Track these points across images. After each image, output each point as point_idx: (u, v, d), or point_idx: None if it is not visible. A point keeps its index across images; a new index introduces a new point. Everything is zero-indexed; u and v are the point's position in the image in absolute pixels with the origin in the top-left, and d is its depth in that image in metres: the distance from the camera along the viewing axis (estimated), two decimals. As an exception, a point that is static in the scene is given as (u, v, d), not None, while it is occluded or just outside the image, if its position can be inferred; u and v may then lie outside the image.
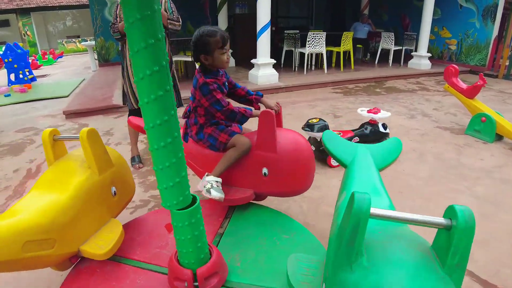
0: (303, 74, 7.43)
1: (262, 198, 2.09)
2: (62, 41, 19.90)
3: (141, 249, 1.67)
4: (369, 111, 3.28)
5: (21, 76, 8.59)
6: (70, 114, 5.03)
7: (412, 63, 8.57)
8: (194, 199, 1.27)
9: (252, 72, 6.54)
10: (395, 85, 7.08)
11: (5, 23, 20.86)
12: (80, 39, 19.76)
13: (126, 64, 2.96)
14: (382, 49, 8.98)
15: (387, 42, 8.63)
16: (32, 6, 19.16)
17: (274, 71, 6.42)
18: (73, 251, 1.46)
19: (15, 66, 8.53)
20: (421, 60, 8.32)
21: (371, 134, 3.25)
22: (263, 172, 1.82)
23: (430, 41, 9.07)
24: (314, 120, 2.94)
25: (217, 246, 1.67)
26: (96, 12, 9.48)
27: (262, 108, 1.91)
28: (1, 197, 2.84)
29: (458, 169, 3.15)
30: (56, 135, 1.71)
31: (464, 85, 4.13)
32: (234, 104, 1.94)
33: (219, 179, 1.86)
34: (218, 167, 1.87)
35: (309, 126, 2.94)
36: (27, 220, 1.28)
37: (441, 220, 0.84)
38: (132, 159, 3.31)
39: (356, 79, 7.15)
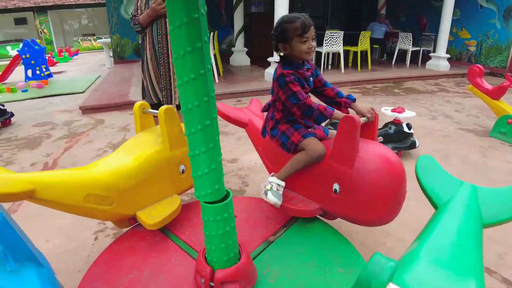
0: (319, 73, 7.33)
1: (332, 217, 1.81)
2: (78, 39, 20.16)
3: (191, 231, 1.70)
4: (393, 110, 3.18)
5: (38, 72, 8.69)
6: (86, 110, 5.04)
7: (430, 64, 8.41)
8: (227, 195, 1.21)
9: (268, 70, 6.47)
10: (414, 86, 6.94)
11: (23, 21, 21.22)
12: (95, 37, 20.00)
13: (146, 57, 2.92)
14: (399, 50, 8.83)
15: (405, 43, 8.48)
16: (49, 4, 19.44)
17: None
18: (129, 214, 1.61)
19: (32, 62, 8.63)
20: (440, 61, 8.15)
21: (395, 134, 3.16)
22: (333, 188, 1.57)
23: (449, 42, 8.88)
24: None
25: (260, 254, 1.55)
26: (112, 10, 9.54)
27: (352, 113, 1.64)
28: None
29: (486, 172, 3.04)
30: (145, 108, 1.90)
31: (489, 86, 3.99)
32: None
33: (282, 183, 1.71)
34: (284, 169, 1.72)
35: (332, 125, 2.86)
36: (94, 176, 1.48)
37: None
38: None
39: (374, 79, 7.03)
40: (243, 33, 8.38)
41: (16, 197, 1.24)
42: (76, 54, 15.69)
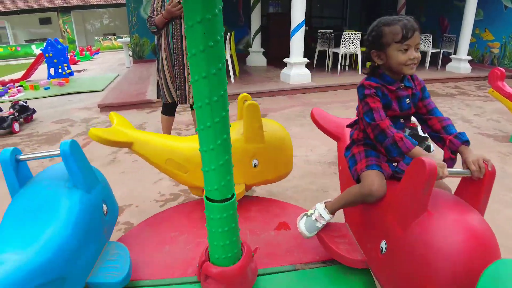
0: (336, 74, 7.28)
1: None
2: (99, 38, 20.63)
3: None
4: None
5: (60, 70, 8.96)
6: (105, 107, 5.16)
7: (450, 66, 8.21)
8: (232, 195, 1.22)
9: (284, 71, 6.47)
10: (433, 89, 6.80)
11: (47, 21, 21.90)
12: (115, 37, 20.42)
13: (162, 57, 2.98)
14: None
15: (424, 44, 8.31)
16: (72, 4, 19.96)
17: (307, 70, 6.33)
18: (199, 186, 1.89)
19: (55, 61, 8.90)
20: (461, 64, 7.95)
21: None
22: (380, 245, 1.26)
23: (471, 43, 8.65)
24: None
25: (273, 274, 1.51)
26: (132, 10, 9.72)
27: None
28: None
29: (503, 179, 2.96)
30: (247, 100, 1.96)
31: (510, 90, 3.88)
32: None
33: (327, 217, 1.50)
34: (336, 200, 1.50)
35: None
36: (177, 146, 1.86)
37: None
38: None
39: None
40: (260, 33, 8.40)
41: (120, 145, 1.80)
42: (97, 53, 16.08)
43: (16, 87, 7.87)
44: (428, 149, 3.11)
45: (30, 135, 4.34)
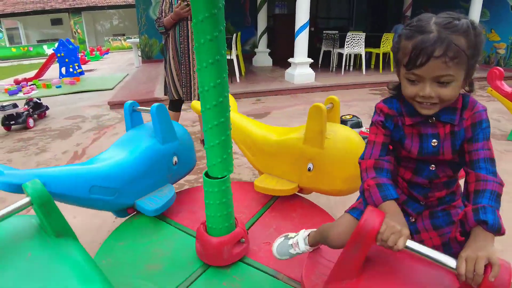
0: (340, 74, 7.40)
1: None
2: (109, 38, 20.99)
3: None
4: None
5: (71, 70, 9.21)
6: (114, 105, 5.36)
7: (455, 66, 8.24)
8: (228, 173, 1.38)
9: (288, 71, 6.61)
10: (436, 89, 6.87)
11: (58, 21, 22.33)
12: (125, 37, 20.75)
13: (169, 56, 3.14)
14: (423, 52, 8.71)
15: (429, 45, 8.37)
16: (83, 5, 20.33)
17: (311, 70, 6.45)
18: (260, 170, 2.13)
19: (66, 60, 9.16)
20: None
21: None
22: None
23: (476, 44, 8.68)
24: (348, 117, 2.96)
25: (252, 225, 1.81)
26: (142, 11, 9.94)
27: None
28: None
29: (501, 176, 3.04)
30: (333, 103, 1.88)
31: (509, 89, 3.96)
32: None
33: (304, 247, 1.32)
34: (315, 232, 1.31)
35: (342, 122, 2.97)
36: (253, 130, 2.10)
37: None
38: (203, 141, 3.62)
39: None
40: (266, 34, 8.55)
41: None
42: (107, 53, 16.38)
43: (29, 85, 8.13)
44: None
45: (43, 130, 4.54)
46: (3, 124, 4.55)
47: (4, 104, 4.55)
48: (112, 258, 1.58)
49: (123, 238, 1.73)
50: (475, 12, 7.62)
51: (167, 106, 3.41)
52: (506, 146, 3.72)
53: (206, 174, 1.37)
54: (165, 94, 3.43)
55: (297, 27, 6.10)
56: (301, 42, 6.18)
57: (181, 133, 2.04)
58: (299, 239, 1.32)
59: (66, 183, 1.45)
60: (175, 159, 1.94)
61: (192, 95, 3.11)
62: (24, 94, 7.28)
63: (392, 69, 8.04)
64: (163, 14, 3.05)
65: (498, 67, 4.07)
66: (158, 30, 3.11)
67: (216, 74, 1.18)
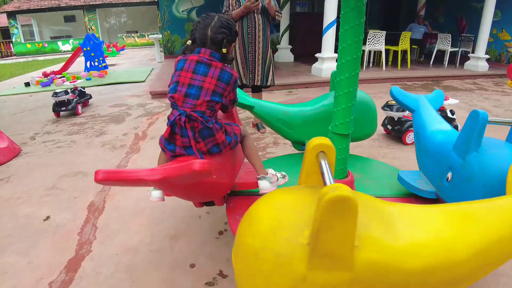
0: (362, 70, 7.73)
1: None
2: (122, 35, 21.31)
3: None
4: (441, 98, 3.57)
5: (96, 63, 9.53)
6: (156, 95, 5.70)
7: (468, 64, 8.54)
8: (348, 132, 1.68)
9: (315, 65, 6.95)
10: (452, 84, 7.19)
11: (72, 19, 22.67)
12: (138, 34, 21.08)
13: (235, 46, 3.48)
14: (437, 51, 9.03)
15: (444, 43, 8.69)
16: (98, 2, 20.67)
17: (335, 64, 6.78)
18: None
19: (92, 54, 9.47)
20: (478, 62, 8.27)
21: (442, 118, 3.54)
22: None
23: (488, 43, 8.97)
24: (393, 102, 3.29)
25: None
26: (165, 8, 10.27)
27: None
28: (122, 151, 3.46)
29: None
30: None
31: (530, 81, 4.29)
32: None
33: (271, 169, 1.79)
34: (259, 162, 1.73)
35: (388, 106, 3.30)
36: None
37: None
38: (256, 126, 4.01)
39: (413, 77, 7.35)
40: (288, 31, 8.88)
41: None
42: (123, 49, 16.71)
43: (59, 77, 8.46)
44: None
45: (93, 116, 4.87)
46: (54, 110, 4.87)
47: (57, 91, 4.86)
48: None
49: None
50: (488, 11, 7.87)
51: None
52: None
53: (332, 132, 1.69)
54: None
55: (325, 24, 6.43)
56: (329, 38, 6.52)
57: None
58: (272, 172, 1.75)
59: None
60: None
61: (256, 80, 3.46)
62: (56, 85, 7.61)
63: (409, 66, 8.37)
64: (230, 7, 3.38)
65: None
66: None
67: (355, 50, 1.53)
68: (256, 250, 0.88)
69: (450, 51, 8.69)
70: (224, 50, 1.55)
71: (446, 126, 1.97)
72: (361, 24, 1.49)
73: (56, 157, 3.37)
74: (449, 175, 1.65)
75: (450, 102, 3.56)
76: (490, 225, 1.02)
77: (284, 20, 8.77)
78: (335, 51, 6.81)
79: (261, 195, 1.56)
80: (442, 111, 3.63)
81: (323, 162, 1.02)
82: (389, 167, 2.37)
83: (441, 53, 9.02)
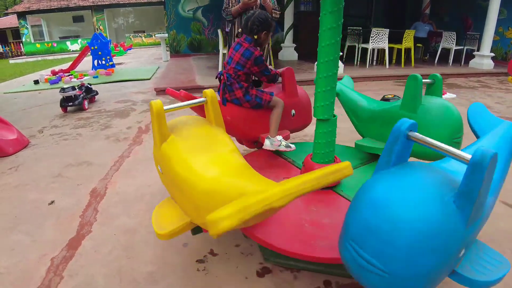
0: (365, 68, 7.77)
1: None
2: (130, 35, 21.56)
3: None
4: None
5: (103, 62, 9.70)
6: (160, 91, 5.82)
7: (473, 62, 8.51)
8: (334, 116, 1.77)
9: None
10: (456, 82, 7.19)
11: (80, 19, 22.98)
12: (145, 34, 21.31)
13: (233, 42, 3.57)
14: (442, 49, 9.00)
15: (449, 41, 8.66)
16: (106, 3, 20.95)
17: (340, 63, 6.84)
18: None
19: (99, 53, 9.64)
20: (484, 60, 8.23)
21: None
22: (292, 113, 2.47)
23: (494, 42, 8.92)
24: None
25: None
26: (171, 7, 10.40)
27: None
28: (125, 143, 3.57)
29: None
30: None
31: (530, 77, 4.31)
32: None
33: (280, 137, 2.29)
34: (273, 127, 2.28)
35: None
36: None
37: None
38: None
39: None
40: (292, 30, 8.95)
41: None
42: (130, 49, 16.92)
43: (67, 75, 8.65)
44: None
45: (99, 111, 5.00)
46: (61, 105, 5.02)
47: (65, 87, 5.01)
48: None
49: None
50: (494, 8, 7.84)
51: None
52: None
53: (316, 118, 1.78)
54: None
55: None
56: (330, 36, 6.56)
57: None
58: (279, 137, 2.25)
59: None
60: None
61: (254, 75, 3.55)
62: (64, 83, 7.77)
63: (412, 64, 8.37)
64: (230, 4, 3.47)
65: (519, 58, 4.42)
66: (226, 18, 3.54)
67: (333, 51, 1.63)
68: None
69: (456, 50, 8.67)
70: (255, 37, 2.23)
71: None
72: (338, 27, 1.59)
73: (62, 148, 3.50)
74: None
75: (447, 97, 3.61)
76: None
77: (288, 19, 8.83)
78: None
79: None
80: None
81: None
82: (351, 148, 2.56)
83: (446, 52, 9.00)
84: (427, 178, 1.06)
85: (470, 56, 8.67)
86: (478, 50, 8.44)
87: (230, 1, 3.48)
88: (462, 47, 8.72)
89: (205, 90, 1.76)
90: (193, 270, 1.64)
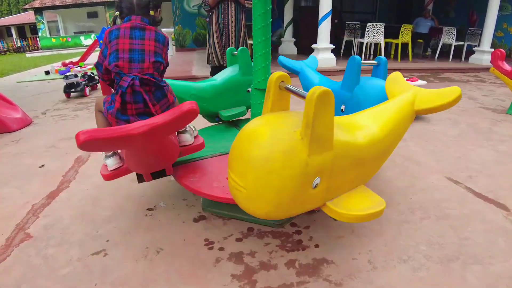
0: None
1: None
2: (141, 31, 22.12)
3: None
4: (407, 80, 3.82)
5: (112, 55, 10.09)
6: (158, 80, 6.14)
7: (473, 58, 8.48)
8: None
9: (312, 56, 7.21)
10: (451, 77, 7.28)
11: (94, 15, 23.64)
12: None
13: (212, 31, 3.85)
14: (443, 45, 9.02)
15: (449, 37, 8.71)
16: (119, -1, 21.52)
17: (332, 55, 7.04)
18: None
19: (108, 46, 10.03)
20: (483, 56, 8.17)
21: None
22: None
23: (498, 38, 8.93)
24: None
25: None
26: (176, 3, 10.75)
27: None
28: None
29: (487, 134, 3.50)
30: (285, 83, 2.23)
31: (508, 67, 4.43)
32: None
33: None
34: None
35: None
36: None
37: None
38: None
39: (412, 69, 7.48)
40: (292, 25, 9.18)
41: None
42: (140, 44, 17.36)
43: (76, 67, 9.07)
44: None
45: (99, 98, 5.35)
46: (64, 91, 5.39)
47: (68, 74, 5.39)
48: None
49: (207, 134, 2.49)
50: (494, 5, 7.82)
51: (209, 73, 4.12)
52: (503, 117, 4.19)
53: (256, 88, 2.02)
54: (207, 63, 4.13)
55: (320, 15, 6.70)
56: (324, 30, 6.78)
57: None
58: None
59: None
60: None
61: (231, 60, 3.81)
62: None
63: (410, 58, 8.49)
64: None
65: (500, 49, 4.55)
66: (204, 8, 3.82)
67: (264, 46, 1.89)
68: (266, 156, 1.15)
69: (457, 46, 8.66)
70: (151, 13, 1.66)
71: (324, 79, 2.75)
72: (268, 26, 1.86)
73: (60, 126, 3.85)
74: (343, 107, 2.23)
75: (418, 83, 3.80)
76: (391, 114, 1.71)
77: (288, 14, 9.06)
78: (331, 42, 7.07)
79: (199, 157, 1.98)
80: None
81: (290, 86, 1.37)
82: None
83: (449, 47, 9.02)
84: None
85: (472, 52, 8.67)
86: (479, 46, 8.44)
87: None
88: (462, 42, 8.75)
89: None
90: (142, 215, 1.96)
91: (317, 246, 1.68)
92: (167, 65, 1.70)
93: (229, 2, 3.71)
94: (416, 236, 1.74)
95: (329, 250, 1.64)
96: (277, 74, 1.39)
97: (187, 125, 1.81)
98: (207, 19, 3.98)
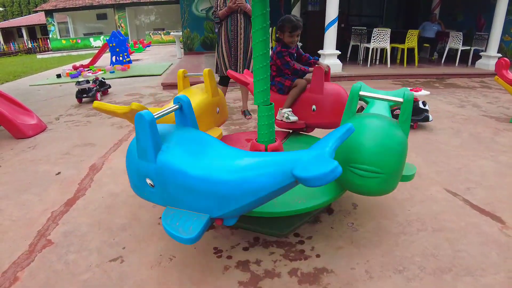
0: (366, 67, 8.01)
1: (311, 129, 2.89)
2: (149, 33, 22.34)
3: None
4: (411, 90, 3.90)
5: (121, 58, 10.29)
6: (167, 86, 6.31)
7: (479, 63, 8.47)
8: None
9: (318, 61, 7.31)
10: (456, 82, 7.30)
11: (103, 16, 23.96)
12: (164, 32, 22.02)
13: (222, 42, 3.96)
14: (450, 49, 9.00)
15: (455, 42, 8.71)
16: (127, 1, 21.77)
17: (338, 61, 7.13)
18: None
19: (117, 50, 10.23)
20: (490, 60, 8.15)
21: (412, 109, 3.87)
22: (312, 108, 2.66)
23: (506, 42, 8.89)
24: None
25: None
26: (185, 7, 10.91)
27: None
28: (126, 130, 4.06)
29: (489, 144, 3.55)
30: (185, 73, 2.66)
31: (512, 77, 4.50)
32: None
33: (290, 109, 2.65)
34: (286, 101, 2.68)
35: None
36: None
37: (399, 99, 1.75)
38: (244, 112, 4.49)
39: (417, 74, 7.53)
40: (298, 29, 9.26)
41: None
42: (149, 46, 17.59)
43: (87, 70, 9.28)
44: (427, 118, 3.86)
45: (110, 102, 5.48)
46: (77, 97, 5.56)
47: (80, 80, 5.56)
48: None
49: None
50: (501, 10, 7.82)
51: (217, 82, 4.23)
52: (506, 126, 4.25)
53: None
54: (216, 73, 4.24)
55: (326, 22, 6.79)
56: (330, 36, 6.88)
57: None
58: (287, 109, 2.62)
59: None
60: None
61: (238, 71, 3.93)
62: (83, 77, 8.39)
63: (416, 63, 8.53)
64: (218, 8, 3.87)
65: (505, 58, 4.61)
66: (214, 20, 3.94)
67: (264, 47, 1.98)
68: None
69: (464, 50, 8.65)
70: (278, 36, 2.73)
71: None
72: (267, 27, 1.95)
73: (73, 132, 4.01)
74: (149, 181, 1.53)
75: (422, 93, 3.88)
76: None
77: (295, 19, 9.15)
78: (337, 48, 7.16)
79: None
80: (414, 102, 3.95)
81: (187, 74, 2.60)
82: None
83: (453, 51, 9.02)
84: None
85: (479, 57, 8.66)
86: (485, 51, 8.41)
87: (218, 5, 3.88)
88: (469, 47, 8.72)
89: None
90: (155, 223, 2.08)
91: (318, 255, 1.79)
92: (278, 64, 2.74)
93: (238, 15, 3.83)
94: (412, 248, 1.85)
95: (330, 260, 1.75)
96: (181, 71, 2.58)
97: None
98: (216, 30, 4.10)
